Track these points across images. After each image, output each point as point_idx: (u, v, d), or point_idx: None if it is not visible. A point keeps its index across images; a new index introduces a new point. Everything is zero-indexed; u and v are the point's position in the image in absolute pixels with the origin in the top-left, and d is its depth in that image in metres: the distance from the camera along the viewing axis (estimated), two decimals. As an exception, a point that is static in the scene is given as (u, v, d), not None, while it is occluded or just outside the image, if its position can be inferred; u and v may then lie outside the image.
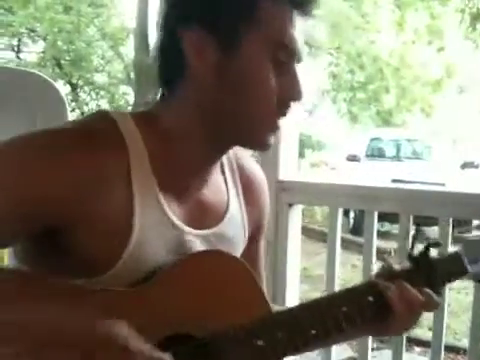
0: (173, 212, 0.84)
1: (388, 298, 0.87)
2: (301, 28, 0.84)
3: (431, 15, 9.46)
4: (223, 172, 0.94)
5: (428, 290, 0.90)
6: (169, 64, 0.86)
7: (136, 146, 0.81)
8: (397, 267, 0.94)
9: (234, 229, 0.92)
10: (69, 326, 0.69)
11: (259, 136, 0.86)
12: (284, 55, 0.83)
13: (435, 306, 0.91)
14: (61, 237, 0.78)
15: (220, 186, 0.92)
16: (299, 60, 0.85)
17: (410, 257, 0.94)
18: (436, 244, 0.96)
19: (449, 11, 9.26)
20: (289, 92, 0.84)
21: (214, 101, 0.83)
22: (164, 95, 0.88)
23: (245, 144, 0.89)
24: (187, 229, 0.85)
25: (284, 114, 0.86)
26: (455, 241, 1.66)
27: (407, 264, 0.94)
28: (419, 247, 0.94)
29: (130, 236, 0.79)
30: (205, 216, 0.89)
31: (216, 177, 0.91)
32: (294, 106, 0.86)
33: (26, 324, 0.68)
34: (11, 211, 0.74)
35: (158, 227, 0.82)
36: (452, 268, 0.95)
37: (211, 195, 0.90)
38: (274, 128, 0.86)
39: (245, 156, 1.00)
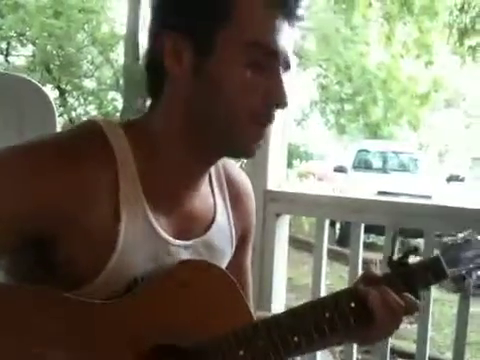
0: (159, 223, 0.83)
1: (369, 302, 0.87)
2: (288, 34, 0.81)
3: (419, 29, 9.56)
4: (210, 181, 0.93)
5: (408, 294, 0.91)
6: (152, 70, 0.85)
7: (125, 157, 0.80)
8: (378, 273, 0.94)
9: (221, 238, 0.92)
10: None
11: (241, 142, 0.83)
12: (264, 58, 0.80)
13: (415, 309, 0.91)
14: (46, 248, 0.77)
15: (207, 196, 0.92)
16: (286, 67, 0.83)
17: (390, 262, 0.94)
18: (415, 250, 0.96)
19: (437, 26, 9.38)
20: (272, 97, 0.81)
21: (194, 107, 0.82)
22: (152, 103, 0.88)
23: (229, 152, 0.87)
24: (172, 240, 0.85)
25: (268, 120, 0.83)
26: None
27: (387, 270, 0.94)
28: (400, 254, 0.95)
29: (115, 247, 0.78)
30: (192, 226, 0.88)
31: (203, 187, 0.91)
32: (279, 112, 0.83)
33: None
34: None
35: (143, 238, 0.81)
36: (431, 272, 0.95)
37: (198, 205, 0.89)
38: (257, 135, 0.83)
39: (232, 165, 0.99)
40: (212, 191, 0.93)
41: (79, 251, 0.77)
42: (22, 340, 0.69)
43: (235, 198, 0.96)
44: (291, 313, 0.87)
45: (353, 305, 0.88)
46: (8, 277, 0.83)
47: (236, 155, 0.90)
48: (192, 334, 0.80)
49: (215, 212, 0.92)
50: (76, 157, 0.77)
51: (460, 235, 0.99)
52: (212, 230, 0.90)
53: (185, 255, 0.86)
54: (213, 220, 0.91)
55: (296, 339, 0.84)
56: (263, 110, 0.82)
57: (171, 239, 0.85)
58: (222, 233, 0.92)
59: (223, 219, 0.93)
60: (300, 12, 0.82)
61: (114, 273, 0.78)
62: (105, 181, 0.78)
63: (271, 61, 0.81)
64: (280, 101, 0.82)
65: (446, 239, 0.99)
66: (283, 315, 0.87)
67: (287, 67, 0.83)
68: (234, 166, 1.00)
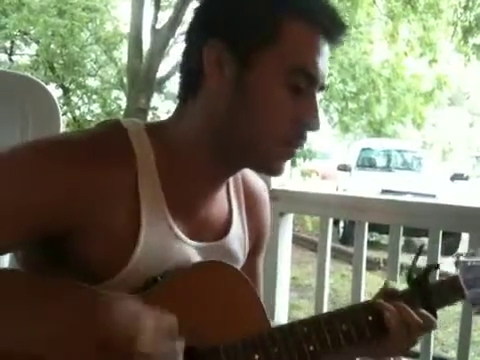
0: (178, 226, 0.84)
1: (386, 318, 0.88)
2: (327, 56, 0.82)
3: (424, 27, 9.53)
4: (228, 187, 0.93)
5: (425, 312, 0.91)
6: (188, 75, 0.85)
7: (146, 160, 0.81)
8: (397, 288, 0.95)
9: (235, 245, 0.92)
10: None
11: (270, 160, 0.84)
12: (304, 81, 0.80)
13: (432, 327, 0.92)
14: (65, 245, 0.78)
15: (224, 201, 0.92)
16: (321, 88, 0.83)
17: (409, 279, 0.95)
18: (436, 267, 0.98)
19: (441, 24, 9.35)
20: (305, 120, 0.81)
21: (226, 120, 0.81)
22: (180, 107, 0.87)
23: (255, 167, 0.88)
24: (189, 241, 0.85)
25: (299, 143, 0.83)
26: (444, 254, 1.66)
27: (406, 286, 0.95)
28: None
29: (135, 248, 0.79)
30: (208, 231, 0.89)
31: (221, 192, 0.91)
32: (309, 135, 0.83)
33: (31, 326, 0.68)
34: (19, 219, 0.74)
35: (163, 240, 0.82)
36: (450, 292, 0.96)
37: (215, 210, 0.90)
38: (286, 154, 0.84)
39: (250, 172, 0.99)
40: (229, 197, 0.93)
41: (98, 249, 0.78)
42: (33, 328, 0.69)
43: (251, 205, 0.96)
44: (308, 322, 0.86)
45: (370, 318, 0.89)
46: (23, 269, 0.83)
47: (262, 171, 0.90)
48: (206, 335, 0.80)
49: (231, 218, 0.92)
50: (99, 158, 0.77)
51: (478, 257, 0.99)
52: (227, 236, 0.91)
53: (200, 258, 0.87)
54: (229, 226, 0.91)
55: (312, 348, 0.84)
56: (294, 132, 0.82)
57: (189, 240, 0.85)
58: (236, 239, 0.92)
59: (238, 226, 0.93)
60: (343, 36, 0.83)
61: (133, 272, 0.79)
62: (126, 183, 0.79)
63: (309, 85, 0.81)
64: (313, 126, 0.82)
65: (465, 259, 0.99)
66: (300, 323, 0.86)
67: (322, 88, 0.84)
68: (252, 173, 0.99)
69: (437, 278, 1.09)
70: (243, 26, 0.80)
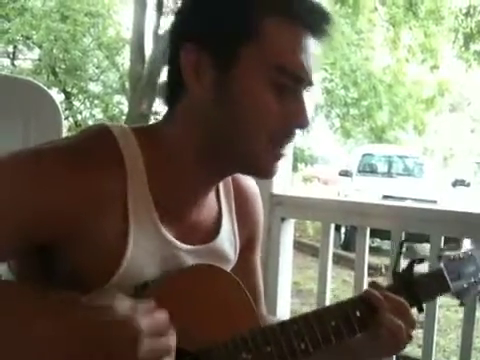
0: (167, 229, 0.83)
1: (380, 308, 0.87)
2: (314, 51, 0.78)
3: (425, 34, 9.56)
4: (217, 188, 0.93)
5: (402, 299, 0.90)
6: (171, 81, 0.84)
7: (135, 164, 0.80)
8: (383, 284, 0.94)
9: (225, 246, 0.92)
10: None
11: (259, 162, 0.81)
12: (288, 80, 0.77)
13: (411, 316, 0.90)
14: (55, 253, 0.78)
15: (213, 201, 0.92)
16: (309, 85, 0.80)
17: (394, 273, 0.95)
18: (420, 260, 0.97)
19: (443, 30, 9.37)
20: (293, 119, 0.79)
21: (211, 124, 0.80)
22: (168, 112, 0.86)
23: (245, 170, 0.86)
24: (180, 245, 0.85)
25: (288, 142, 0.81)
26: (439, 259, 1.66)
27: (391, 280, 0.95)
28: (404, 263, 0.95)
29: (124, 254, 0.78)
30: (198, 233, 0.88)
31: (210, 194, 0.90)
32: (298, 133, 0.81)
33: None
34: (7, 228, 0.74)
35: (152, 244, 0.81)
36: (434, 285, 0.96)
37: (205, 212, 0.89)
38: (276, 155, 0.81)
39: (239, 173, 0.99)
40: (218, 197, 0.93)
41: (88, 258, 0.77)
42: (24, 340, 0.68)
43: (241, 204, 0.96)
44: (298, 320, 0.86)
45: (359, 314, 0.89)
46: (16, 279, 0.83)
47: (253, 174, 0.88)
48: (198, 337, 0.80)
49: (220, 219, 0.91)
50: (85, 164, 0.76)
51: (462, 250, 1.00)
52: (217, 238, 0.90)
53: (191, 261, 0.86)
54: (218, 228, 0.91)
55: (303, 346, 0.84)
56: (283, 132, 0.80)
57: (178, 243, 0.85)
58: (226, 240, 0.92)
59: (228, 226, 0.93)
60: (328, 28, 0.80)
61: (123, 279, 0.78)
62: (114, 189, 0.78)
63: (295, 84, 0.78)
64: (302, 124, 0.80)
65: (449, 253, 1.00)
66: (290, 322, 0.86)
67: (310, 85, 0.81)
68: None
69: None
70: (218, 27, 0.77)
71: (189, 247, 0.86)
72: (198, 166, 0.83)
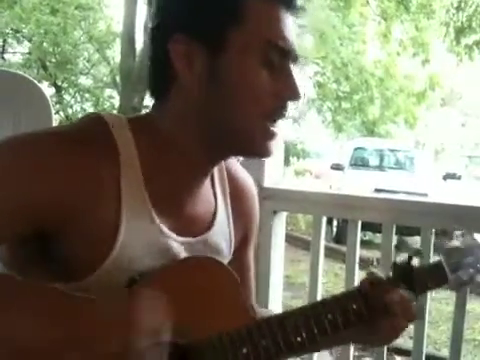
0: (161, 220, 0.83)
1: (386, 298, 0.88)
2: (292, 26, 0.82)
3: (416, 27, 9.58)
4: (212, 180, 0.93)
5: (406, 293, 0.91)
6: (159, 74, 0.84)
7: (128, 153, 0.80)
8: (381, 275, 0.94)
9: (220, 238, 0.92)
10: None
11: (255, 142, 0.83)
12: (276, 55, 0.80)
13: (413, 311, 0.91)
14: (47, 240, 0.77)
15: (209, 194, 0.92)
16: (294, 59, 0.83)
17: (394, 265, 0.95)
18: (418, 253, 0.97)
19: (434, 24, 9.39)
20: (285, 92, 0.82)
21: (206, 109, 0.81)
22: (158, 103, 0.86)
23: (242, 152, 0.88)
24: (175, 237, 0.85)
25: (283, 116, 0.84)
26: (436, 251, 1.68)
27: (390, 273, 0.95)
28: (403, 256, 0.95)
29: (114, 244, 0.78)
30: (193, 225, 0.88)
31: (206, 184, 0.90)
32: (291, 106, 0.84)
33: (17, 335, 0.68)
34: (3, 214, 0.74)
35: (146, 234, 0.81)
36: (433, 277, 0.96)
37: (200, 204, 0.89)
38: (271, 133, 0.83)
39: (234, 163, 0.99)
40: (214, 190, 0.93)
41: (79, 245, 0.77)
42: (16, 335, 0.68)
43: (237, 197, 0.96)
44: (294, 313, 0.87)
45: (355, 307, 0.89)
46: (6, 268, 0.83)
47: (250, 154, 0.90)
48: (193, 331, 0.80)
49: (216, 211, 0.92)
50: (80, 151, 0.77)
51: (458, 237, 1.00)
52: (212, 230, 0.90)
53: (185, 253, 0.86)
54: (214, 219, 0.91)
55: (299, 339, 0.84)
56: (278, 107, 0.82)
57: (174, 235, 0.85)
58: (222, 233, 0.92)
59: (223, 219, 0.93)
60: (302, 4, 0.83)
61: (114, 268, 0.78)
62: (107, 177, 0.78)
63: (282, 58, 0.81)
64: (294, 96, 0.82)
65: (448, 244, 0.99)
66: (286, 315, 0.86)
67: (295, 59, 0.84)
68: (236, 164, 0.99)
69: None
70: (205, 15, 0.79)
71: (183, 239, 0.86)
72: (193, 154, 0.84)
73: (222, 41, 0.79)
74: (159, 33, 0.83)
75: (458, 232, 1.03)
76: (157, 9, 0.85)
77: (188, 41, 0.79)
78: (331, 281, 5.48)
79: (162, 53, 0.81)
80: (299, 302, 4.61)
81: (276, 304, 1.90)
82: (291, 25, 0.82)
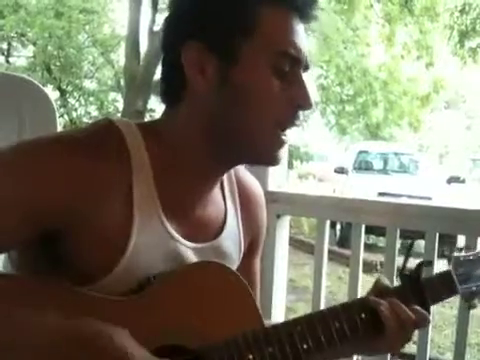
0: (171, 225, 0.83)
1: (380, 313, 0.87)
2: (304, 34, 0.83)
3: (420, 31, 9.57)
4: (222, 186, 0.93)
5: (418, 307, 0.90)
6: (171, 81, 0.85)
7: (140, 158, 0.81)
8: (389, 285, 0.94)
9: (230, 244, 0.92)
10: (68, 336, 0.69)
11: (265, 150, 0.84)
12: (288, 64, 0.81)
13: (425, 323, 0.91)
14: (58, 244, 0.78)
15: (219, 201, 0.92)
16: (306, 68, 0.84)
17: (401, 275, 0.95)
18: (428, 263, 0.97)
19: (438, 27, 9.38)
20: (297, 101, 0.82)
21: (217, 116, 0.82)
22: (169, 110, 0.87)
23: (253, 160, 0.88)
24: (185, 242, 0.85)
25: (293, 124, 0.84)
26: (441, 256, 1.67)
27: (399, 282, 0.95)
28: (412, 262, 0.95)
29: (126, 248, 0.78)
30: (203, 230, 0.88)
31: (216, 191, 0.91)
32: (304, 115, 0.85)
33: (25, 333, 0.69)
34: (13, 217, 0.74)
35: (157, 239, 0.82)
36: (443, 288, 0.95)
37: (210, 209, 0.90)
38: (281, 141, 0.84)
39: (244, 171, 0.99)
40: (223, 196, 0.93)
41: (91, 249, 0.78)
42: (27, 333, 0.69)
43: (246, 204, 0.96)
44: (302, 321, 0.86)
45: (363, 316, 0.88)
46: (17, 271, 0.83)
47: (259, 162, 0.90)
48: (200, 335, 0.80)
49: (226, 217, 0.92)
50: (94, 155, 0.77)
51: (466, 248, 0.98)
52: (222, 236, 0.90)
53: (195, 258, 0.86)
54: (223, 225, 0.91)
55: (306, 347, 0.84)
56: (289, 115, 0.83)
57: (183, 240, 0.85)
58: (231, 239, 0.92)
59: (233, 225, 0.93)
60: (315, 13, 0.84)
61: (126, 272, 0.79)
62: (120, 182, 0.79)
63: (294, 66, 0.82)
64: (306, 105, 0.83)
65: (458, 255, 0.98)
66: (294, 322, 0.86)
67: (307, 68, 0.84)
68: (245, 172, 1.00)
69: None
70: (218, 23, 0.80)
71: (195, 245, 0.86)
72: (202, 161, 0.84)
73: (235, 50, 0.79)
74: (172, 40, 0.84)
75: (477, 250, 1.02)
76: (170, 16, 0.85)
77: (201, 49, 0.80)
78: (335, 284, 5.47)
79: (175, 60, 0.81)
80: (303, 305, 4.60)
81: (280, 307, 1.90)
82: (303, 33, 0.83)
